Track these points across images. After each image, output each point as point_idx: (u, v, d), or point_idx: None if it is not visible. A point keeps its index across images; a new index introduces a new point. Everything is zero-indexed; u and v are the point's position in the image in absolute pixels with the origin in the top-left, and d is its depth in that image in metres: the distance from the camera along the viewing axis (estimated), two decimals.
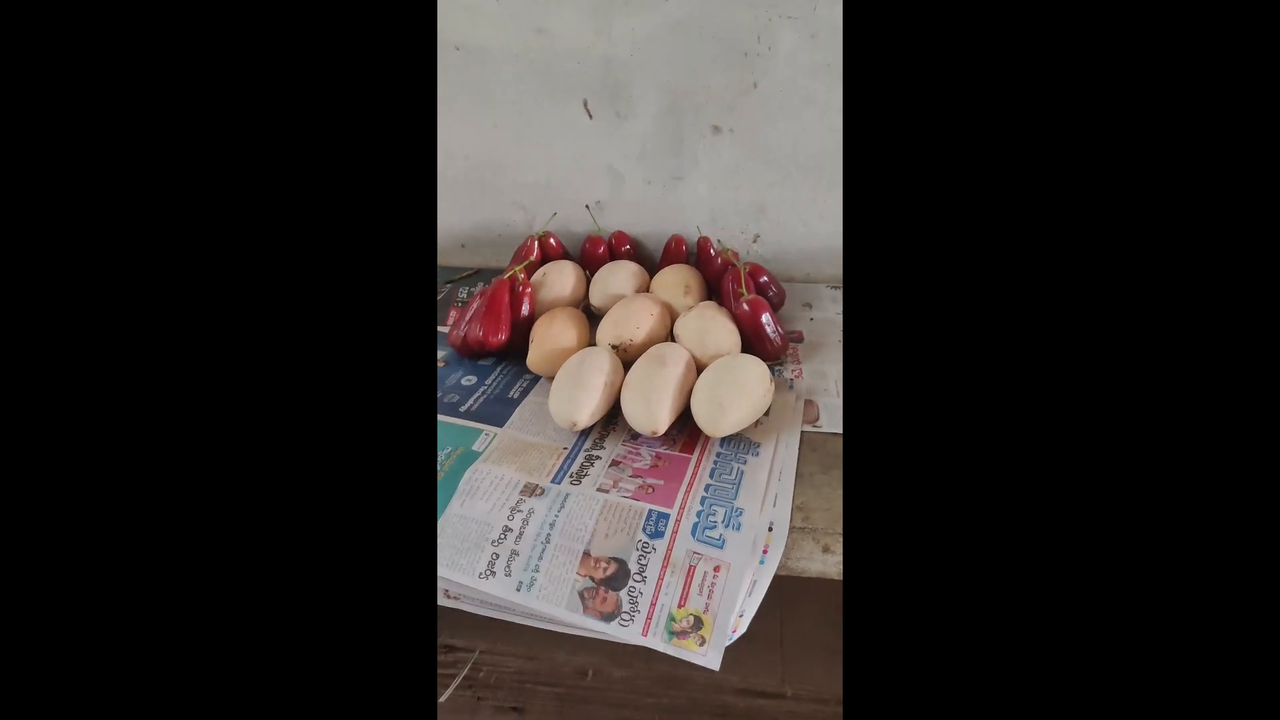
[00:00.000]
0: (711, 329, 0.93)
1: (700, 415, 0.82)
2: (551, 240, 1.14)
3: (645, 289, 1.07)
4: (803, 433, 0.86)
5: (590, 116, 1.09)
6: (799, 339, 1.04)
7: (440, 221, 1.20)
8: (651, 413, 0.82)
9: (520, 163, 1.15)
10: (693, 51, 1.02)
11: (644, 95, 1.06)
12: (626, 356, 0.94)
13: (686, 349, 0.91)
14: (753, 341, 0.96)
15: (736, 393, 0.82)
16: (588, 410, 0.83)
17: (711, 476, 0.79)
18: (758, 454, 0.83)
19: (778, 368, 0.97)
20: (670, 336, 0.99)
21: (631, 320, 0.96)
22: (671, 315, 1.02)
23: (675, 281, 1.05)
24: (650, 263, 1.18)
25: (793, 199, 1.11)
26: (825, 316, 1.09)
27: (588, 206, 1.15)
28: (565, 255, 1.15)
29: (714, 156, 1.10)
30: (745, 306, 0.96)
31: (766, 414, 0.88)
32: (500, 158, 1.14)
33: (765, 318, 0.95)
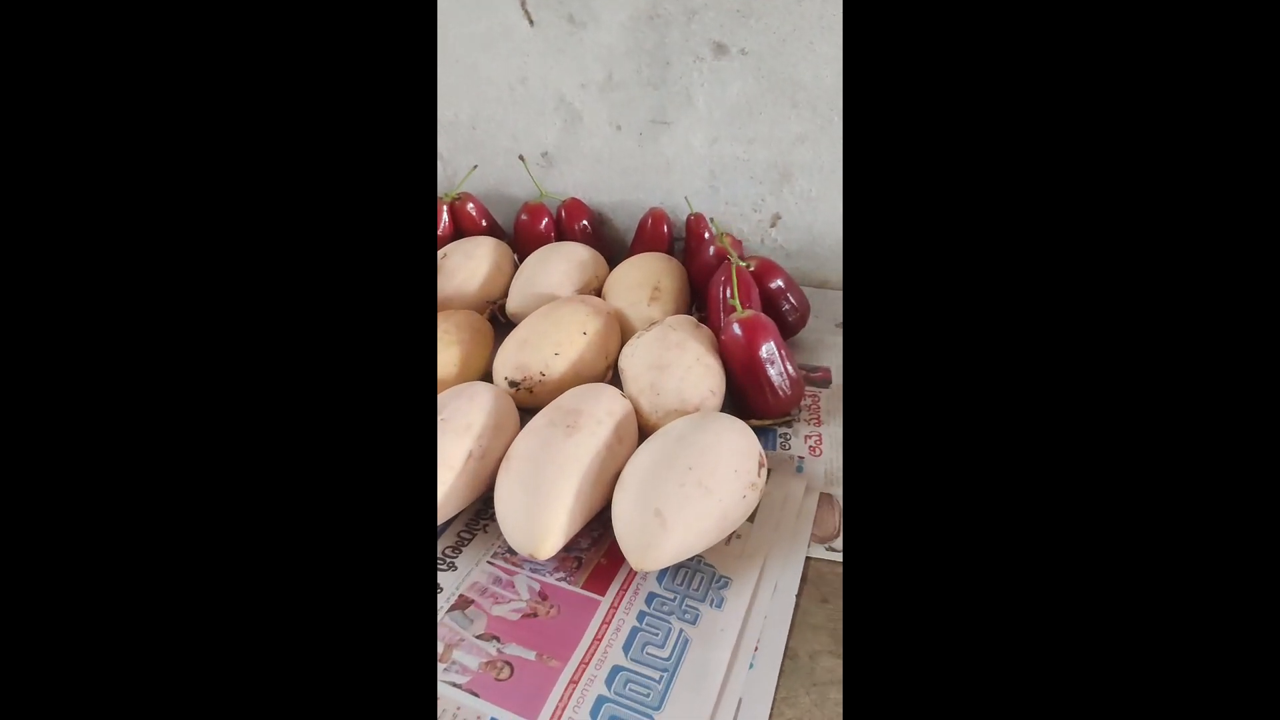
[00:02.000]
0: (674, 363, 0.56)
1: (623, 531, 0.46)
2: (469, 207, 0.78)
3: (595, 290, 0.71)
4: (808, 560, 0.49)
5: (530, 22, 0.73)
6: (824, 381, 0.67)
7: None
8: (533, 522, 0.46)
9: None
10: None
11: None
12: (533, 402, 0.58)
13: (627, 397, 0.55)
14: (744, 387, 0.59)
15: (691, 492, 0.46)
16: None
17: (629, 650, 0.43)
18: (720, 603, 0.46)
19: (782, 433, 0.60)
20: (612, 372, 0.62)
21: (548, 340, 0.60)
22: (625, 335, 0.66)
23: (639, 280, 0.69)
24: (618, 248, 0.81)
25: (832, 162, 0.73)
26: None
27: (522, 159, 0.78)
28: (491, 230, 0.79)
29: (716, 91, 0.72)
30: (736, 329, 0.59)
31: (750, 519, 0.52)
32: None
33: (767, 348, 0.58)
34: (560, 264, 0.70)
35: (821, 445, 0.59)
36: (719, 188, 0.77)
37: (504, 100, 0.77)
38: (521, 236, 0.78)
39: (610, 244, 0.83)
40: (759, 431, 0.60)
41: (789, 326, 0.68)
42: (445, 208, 0.77)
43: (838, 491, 0.55)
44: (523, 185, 0.81)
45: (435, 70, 0.78)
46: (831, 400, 0.64)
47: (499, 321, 0.70)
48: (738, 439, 0.50)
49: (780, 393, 0.59)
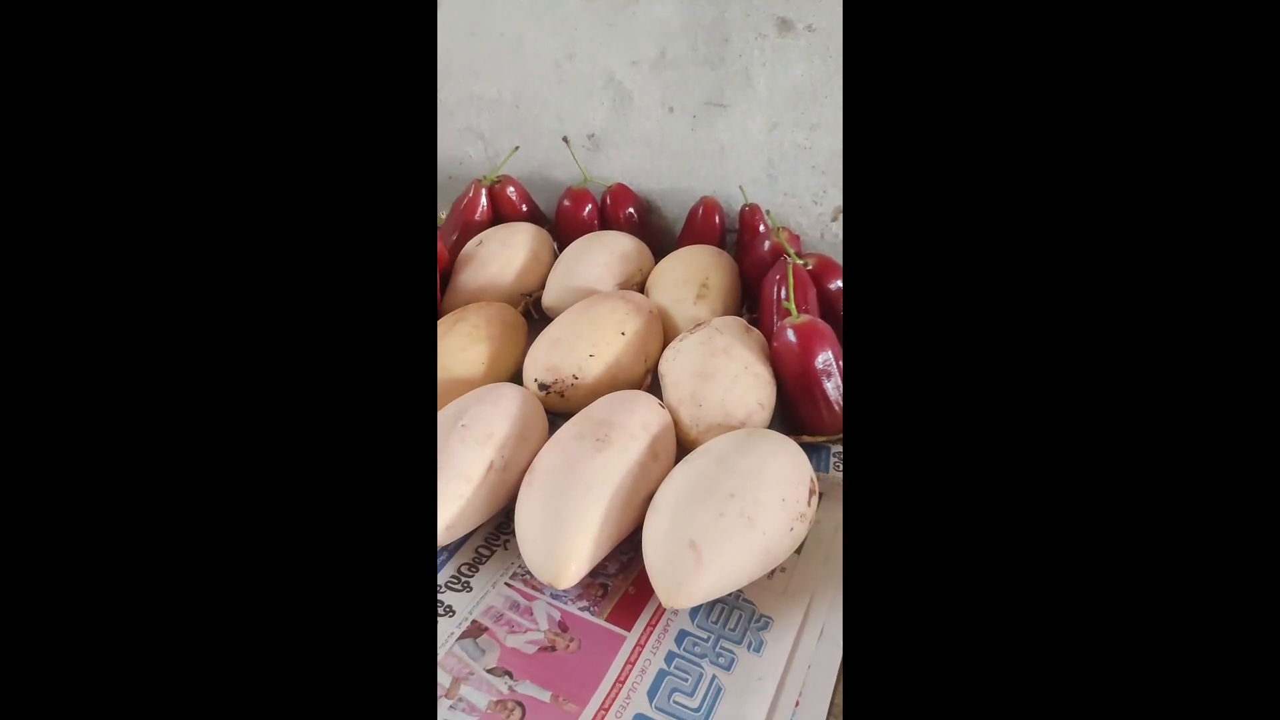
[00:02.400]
0: (719, 371, 0.51)
1: (654, 563, 0.41)
2: (510, 190, 0.74)
3: (639, 285, 0.66)
4: None
5: None
6: None
7: None
8: (554, 547, 0.42)
9: (475, 65, 0.75)
10: None
11: None
12: (565, 407, 0.54)
13: (666, 407, 0.50)
14: (797, 399, 0.53)
15: (732, 522, 0.41)
16: (443, 520, 0.44)
17: (654, 697, 0.39)
18: (759, 646, 0.41)
19: (837, 451, 0.54)
20: (651, 379, 0.58)
21: (583, 340, 0.55)
22: (668, 336, 0.61)
23: (685, 276, 0.63)
24: (667, 239, 0.76)
25: None
26: None
27: (566, 140, 0.74)
28: (532, 216, 0.75)
29: (778, 71, 0.66)
30: (789, 335, 0.53)
31: (798, 552, 0.46)
32: (448, 56, 0.75)
33: (823, 358, 0.52)
34: (602, 255, 0.65)
35: None
36: (777, 177, 0.71)
37: (549, 78, 0.73)
38: (563, 224, 0.73)
39: (658, 234, 0.77)
40: (810, 450, 0.54)
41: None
42: (484, 191, 0.73)
43: None
44: (567, 169, 0.76)
45: (435, 58, 0.74)
46: None
47: (533, 317, 0.65)
48: (787, 462, 0.44)
49: (836, 407, 0.53)
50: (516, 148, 0.76)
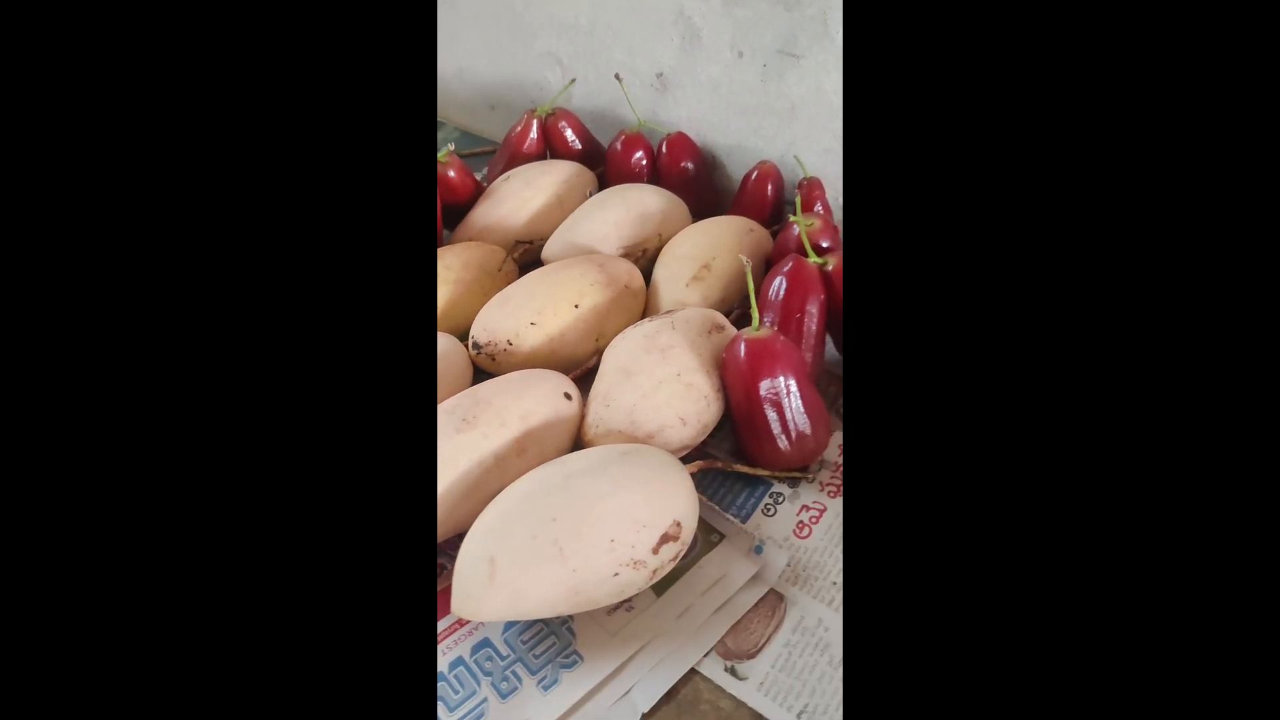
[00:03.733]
0: (644, 372, 0.45)
1: (457, 566, 0.38)
2: (563, 125, 0.69)
3: (654, 251, 0.59)
4: (693, 673, 0.38)
5: None
6: None
7: (462, 65, 0.81)
8: None
9: None
10: None
11: None
12: (495, 372, 0.51)
13: (582, 399, 0.45)
14: (739, 426, 0.46)
15: (541, 550, 0.36)
16: None
17: None
18: (550, 686, 0.37)
19: (777, 493, 0.46)
20: (598, 359, 0.52)
21: (530, 305, 0.51)
22: (642, 315, 0.54)
23: (689, 251, 0.56)
24: (728, 201, 0.68)
25: None
26: None
27: (618, 78, 0.66)
28: (586, 156, 0.70)
29: None
30: (740, 350, 0.45)
31: (659, 591, 0.41)
32: None
33: (771, 384, 0.44)
34: (616, 211, 0.59)
35: (817, 524, 0.45)
36: None
37: (621, 4, 0.66)
38: (612, 170, 0.67)
39: (720, 194, 0.69)
40: (750, 482, 0.47)
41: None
42: (536, 123, 0.69)
43: (796, 596, 0.41)
44: (642, 105, 0.70)
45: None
46: None
47: (526, 267, 0.62)
48: (640, 498, 0.38)
49: (780, 444, 0.45)
50: (573, 80, 0.71)
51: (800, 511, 0.46)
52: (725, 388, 0.46)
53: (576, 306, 0.51)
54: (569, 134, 0.69)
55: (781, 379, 0.44)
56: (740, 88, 0.63)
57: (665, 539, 0.38)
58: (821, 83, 0.58)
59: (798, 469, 0.47)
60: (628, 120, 0.70)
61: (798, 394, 0.45)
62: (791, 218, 0.52)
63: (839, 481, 0.47)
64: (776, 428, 0.45)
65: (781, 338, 0.45)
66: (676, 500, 0.39)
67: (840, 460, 0.48)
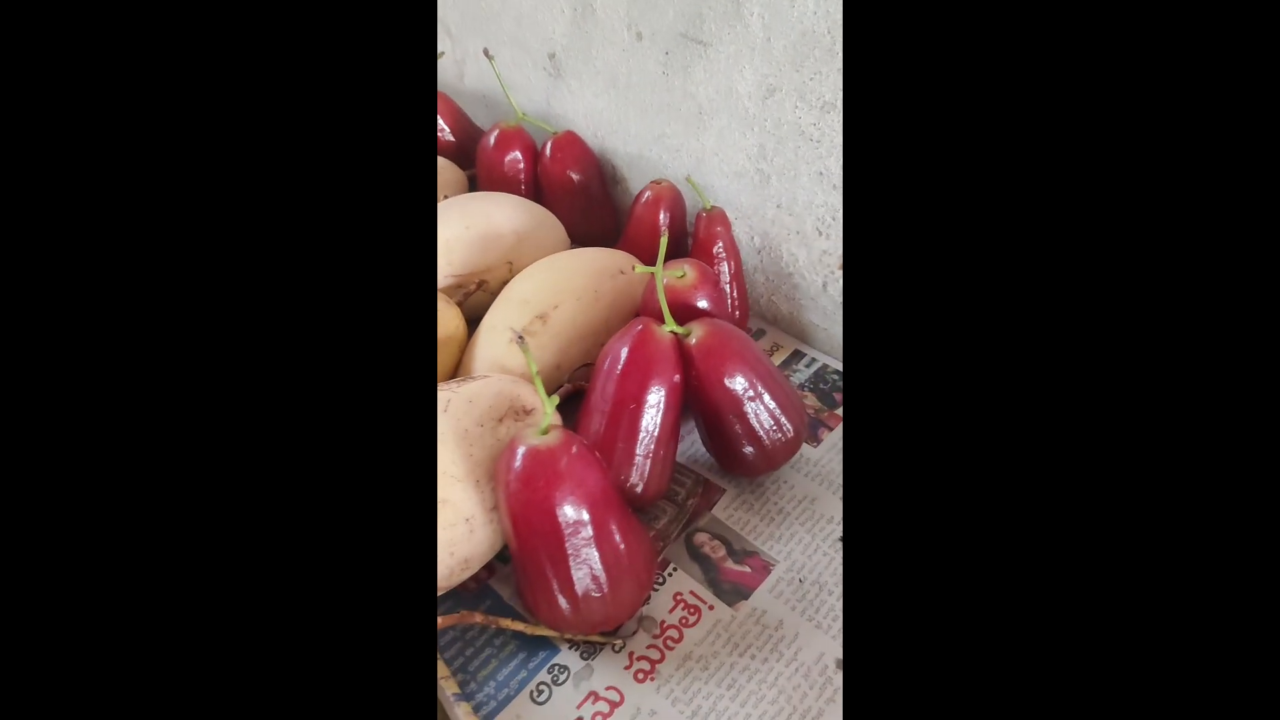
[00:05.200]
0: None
1: None
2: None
3: (500, 284, 0.45)
4: None
5: None
6: (740, 586, 0.35)
7: None
8: None
9: None
10: None
11: None
12: None
13: None
14: (518, 568, 0.32)
15: None
16: None
17: None
18: None
19: (554, 669, 0.32)
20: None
21: None
22: (452, 375, 0.41)
23: (531, 293, 0.41)
24: (621, 225, 0.53)
25: None
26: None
27: (488, 54, 0.52)
28: (460, 151, 0.56)
29: (781, 3, 0.39)
30: (514, 461, 0.31)
31: None
32: None
33: (551, 519, 0.30)
34: (453, 226, 0.45)
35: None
36: (770, 176, 0.44)
37: None
38: (483, 172, 0.53)
39: (624, 214, 0.55)
40: (530, 645, 0.34)
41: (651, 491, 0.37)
42: None
43: None
44: (532, 94, 0.55)
45: None
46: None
47: None
48: None
49: (559, 601, 0.31)
50: (442, 53, 0.56)
51: (585, 701, 0.31)
52: (499, 506, 0.32)
53: None
54: (438, 121, 0.55)
55: (568, 509, 0.30)
56: (641, 80, 0.48)
57: None
58: (734, 82, 0.43)
59: (594, 633, 0.33)
60: (516, 108, 0.56)
61: (589, 534, 0.30)
62: (639, 265, 0.38)
63: (657, 655, 0.33)
64: (555, 581, 0.31)
65: (575, 449, 0.30)
66: None
67: (665, 620, 0.34)
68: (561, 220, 0.50)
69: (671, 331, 0.36)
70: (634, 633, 0.34)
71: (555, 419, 0.31)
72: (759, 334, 0.49)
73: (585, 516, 0.30)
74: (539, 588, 0.31)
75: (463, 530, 0.32)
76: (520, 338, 0.29)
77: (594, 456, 0.31)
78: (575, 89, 0.52)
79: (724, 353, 0.36)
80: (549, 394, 0.38)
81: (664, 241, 0.37)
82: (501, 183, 0.52)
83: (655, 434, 0.35)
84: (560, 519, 0.30)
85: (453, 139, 0.56)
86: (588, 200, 0.52)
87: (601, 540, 0.30)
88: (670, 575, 0.36)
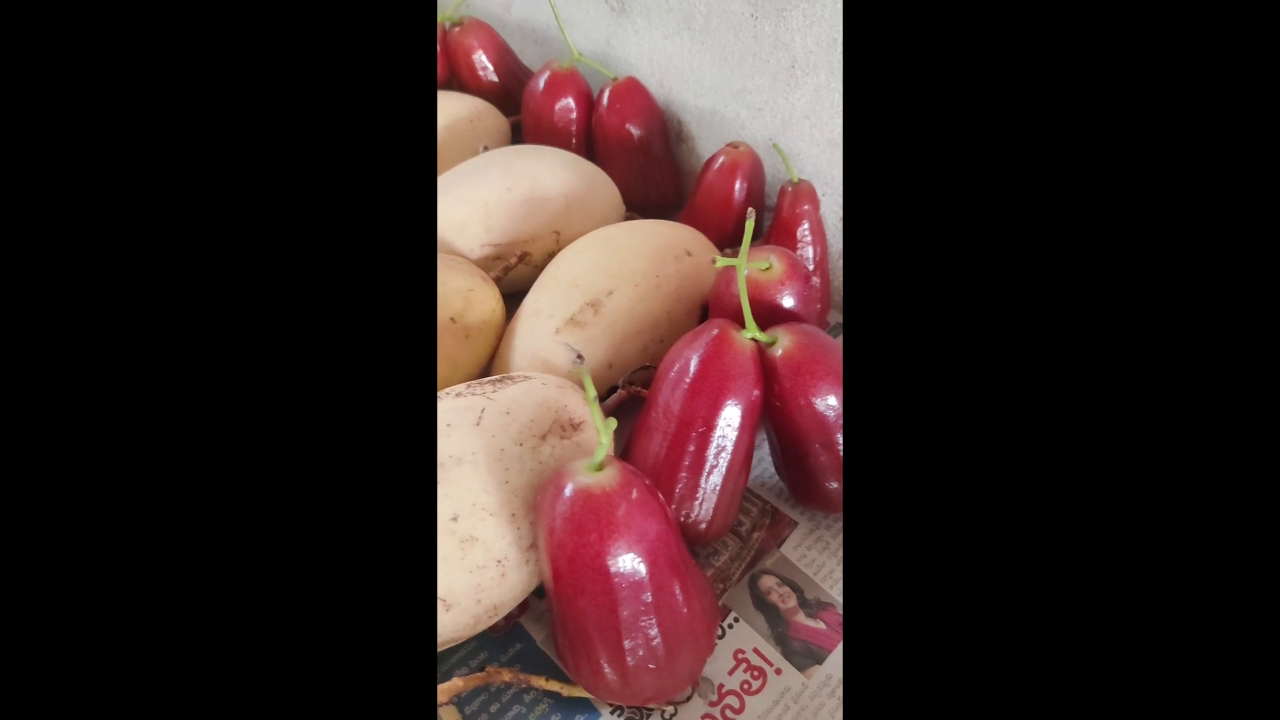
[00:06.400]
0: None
1: None
2: (473, 45, 0.47)
3: (546, 257, 0.39)
4: None
5: None
6: (813, 641, 0.30)
7: None
8: None
9: None
10: None
11: None
12: None
13: None
14: (557, 623, 0.27)
15: None
16: None
17: None
18: None
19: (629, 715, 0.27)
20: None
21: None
22: (485, 369, 0.35)
23: (579, 275, 0.35)
24: (685, 191, 0.46)
25: None
26: None
27: None
28: (503, 92, 0.49)
29: None
30: (561, 503, 0.25)
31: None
32: None
33: (603, 577, 0.24)
34: (494, 186, 0.38)
35: None
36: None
37: None
38: (529, 120, 0.46)
39: (688, 183, 0.48)
40: (564, 708, 0.28)
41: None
42: (440, 35, 0.48)
43: None
44: (595, 31, 0.48)
45: None
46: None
47: None
48: None
49: (605, 673, 0.25)
50: None
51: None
52: (539, 547, 0.27)
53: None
54: (479, 57, 0.48)
55: (625, 568, 0.24)
56: (722, 22, 0.40)
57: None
58: (840, 32, 0.35)
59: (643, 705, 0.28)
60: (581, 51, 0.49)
61: (648, 600, 0.25)
62: (719, 257, 0.31)
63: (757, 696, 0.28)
64: (602, 649, 0.25)
65: (635, 493, 0.25)
66: None
67: (724, 684, 0.29)
68: (615, 182, 0.43)
69: (753, 339, 0.30)
70: (688, 698, 0.28)
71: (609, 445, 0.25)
72: (835, 330, 0.43)
73: (644, 577, 0.24)
74: (581, 653, 0.26)
75: (493, 574, 0.26)
76: (579, 357, 0.23)
77: (657, 500, 0.25)
78: (641, 28, 0.45)
79: (815, 369, 0.29)
80: (600, 398, 0.32)
81: (750, 225, 0.30)
82: (550, 134, 0.45)
83: (726, 463, 0.29)
84: (615, 580, 0.24)
85: (495, 79, 0.48)
86: (647, 160, 0.45)
87: (661, 605, 0.25)
88: (730, 628, 0.31)
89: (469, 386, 0.30)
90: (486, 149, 0.43)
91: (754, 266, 0.32)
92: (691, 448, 0.29)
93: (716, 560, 0.33)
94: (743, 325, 0.30)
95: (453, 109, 0.44)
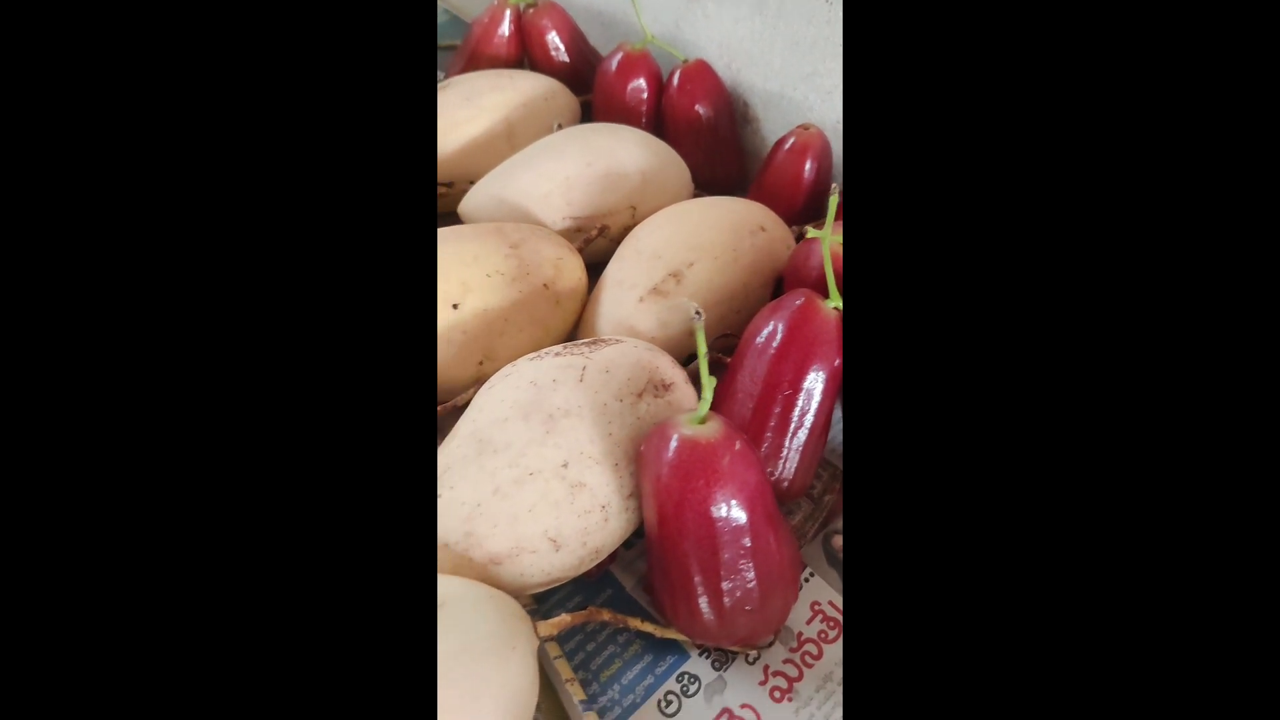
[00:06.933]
0: (504, 450, 0.27)
1: None
2: (547, 25, 0.49)
3: (622, 230, 0.41)
4: None
5: None
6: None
7: None
8: None
9: None
10: None
11: None
12: None
13: None
14: (655, 567, 0.29)
15: None
16: None
17: None
18: None
19: (719, 658, 0.29)
20: (475, 394, 0.34)
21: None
22: (576, 336, 0.36)
23: (658, 247, 0.37)
24: (750, 171, 0.48)
25: None
26: None
27: None
28: (574, 71, 0.50)
29: None
30: (666, 449, 0.27)
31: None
32: None
33: (703, 520, 0.26)
34: (574, 161, 0.40)
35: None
36: None
37: None
38: (600, 99, 0.48)
39: (752, 163, 0.49)
40: (656, 647, 0.30)
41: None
42: (508, 14, 0.49)
43: None
44: (664, 14, 0.49)
45: None
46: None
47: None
48: None
49: (701, 609, 0.27)
50: None
51: (719, 718, 0.28)
52: (640, 494, 0.29)
53: (455, 307, 0.33)
54: (553, 37, 0.49)
55: (728, 514, 0.26)
56: (796, 7, 0.42)
57: None
58: None
59: (757, 640, 0.29)
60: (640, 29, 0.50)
61: (748, 544, 0.26)
62: (808, 231, 0.33)
63: (794, 672, 0.29)
64: (703, 590, 0.27)
65: (738, 444, 0.26)
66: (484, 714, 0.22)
67: (803, 633, 0.31)
68: (684, 161, 0.45)
69: (835, 308, 0.31)
70: (770, 644, 0.30)
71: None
72: None
73: (745, 522, 0.26)
74: (680, 594, 0.28)
75: (598, 519, 0.28)
76: (698, 312, 0.25)
77: (755, 454, 0.27)
78: (712, 12, 0.46)
79: None
80: (682, 364, 0.34)
81: (833, 201, 0.32)
82: (621, 114, 0.47)
83: (810, 425, 0.31)
84: (718, 525, 0.26)
85: (566, 59, 0.50)
86: (714, 141, 0.47)
87: (759, 550, 0.27)
88: (807, 581, 0.32)
89: (565, 348, 0.32)
90: (561, 126, 0.45)
91: (837, 240, 0.34)
92: (778, 409, 0.31)
93: (792, 519, 0.34)
94: (826, 297, 0.32)
95: (528, 87, 0.46)
